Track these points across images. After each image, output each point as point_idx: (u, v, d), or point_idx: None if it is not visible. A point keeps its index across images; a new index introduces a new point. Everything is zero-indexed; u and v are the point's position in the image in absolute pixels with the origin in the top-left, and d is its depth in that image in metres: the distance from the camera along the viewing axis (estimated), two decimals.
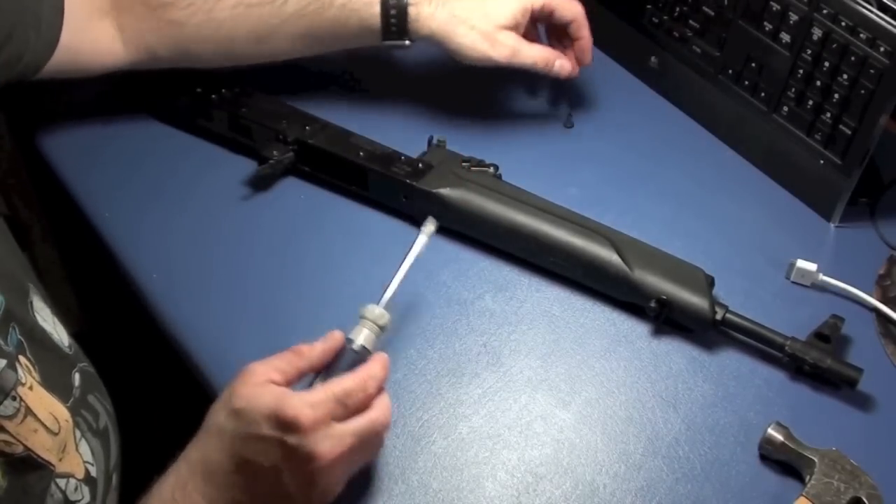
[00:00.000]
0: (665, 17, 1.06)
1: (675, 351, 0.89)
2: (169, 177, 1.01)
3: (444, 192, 0.93)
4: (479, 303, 0.92)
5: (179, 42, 0.94)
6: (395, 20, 0.93)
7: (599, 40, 1.16)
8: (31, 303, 0.79)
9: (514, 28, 0.95)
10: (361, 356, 0.76)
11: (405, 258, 0.82)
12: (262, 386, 0.72)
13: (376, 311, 0.79)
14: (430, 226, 0.85)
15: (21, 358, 0.72)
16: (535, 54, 0.96)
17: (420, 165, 0.96)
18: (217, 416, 0.72)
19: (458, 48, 0.95)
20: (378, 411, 0.74)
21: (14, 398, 0.70)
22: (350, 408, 0.72)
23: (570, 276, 0.92)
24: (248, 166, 1.00)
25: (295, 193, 1.00)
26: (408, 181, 0.95)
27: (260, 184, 0.99)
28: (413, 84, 1.09)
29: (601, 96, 1.10)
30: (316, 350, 0.77)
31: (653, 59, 1.10)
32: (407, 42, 0.95)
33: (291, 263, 0.95)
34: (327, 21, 0.93)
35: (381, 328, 0.79)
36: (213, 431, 0.72)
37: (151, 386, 0.92)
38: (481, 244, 0.95)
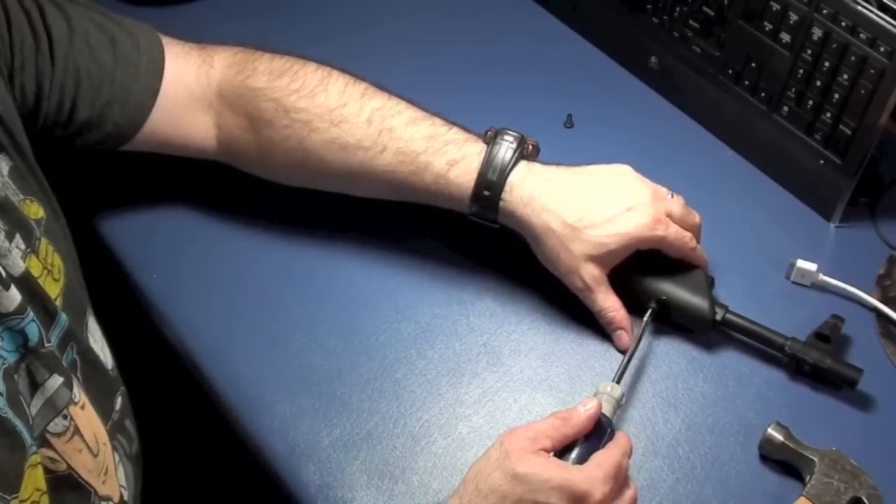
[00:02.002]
0: (665, 17, 1.06)
1: (675, 351, 0.89)
2: (168, 176, 1.01)
3: None
4: (480, 303, 0.92)
5: (267, 157, 0.92)
6: (483, 209, 0.87)
7: (599, 40, 1.16)
8: (87, 323, 0.80)
9: (603, 261, 0.86)
10: (603, 429, 0.77)
11: (636, 339, 0.84)
12: (539, 455, 0.72)
13: (618, 390, 0.80)
14: (650, 313, 0.87)
15: (74, 377, 0.73)
16: (605, 307, 0.87)
17: None
18: (492, 479, 0.71)
19: (538, 254, 0.88)
20: (634, 491, 0.75)
21: (65, 416, 0.71)
22: (620, 484, 0.73)
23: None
24: None
25: (295, 193, 1.00)
26: None
27: (261, 188, 0.99)
28: (412, 83, 1.09)
29: (601, 96, 1.10)
30: (582, 417, 0.76)
31: (653, 59, 1.10)
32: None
33: (291, 263, 0.95)
34: (417, 184, 0.88)
35: (620, 404, 0.80)
36: (486, 493, 0.71)
37: (158, 402, 0.92)
38: (481, 244, 0.95)
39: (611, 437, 0.76)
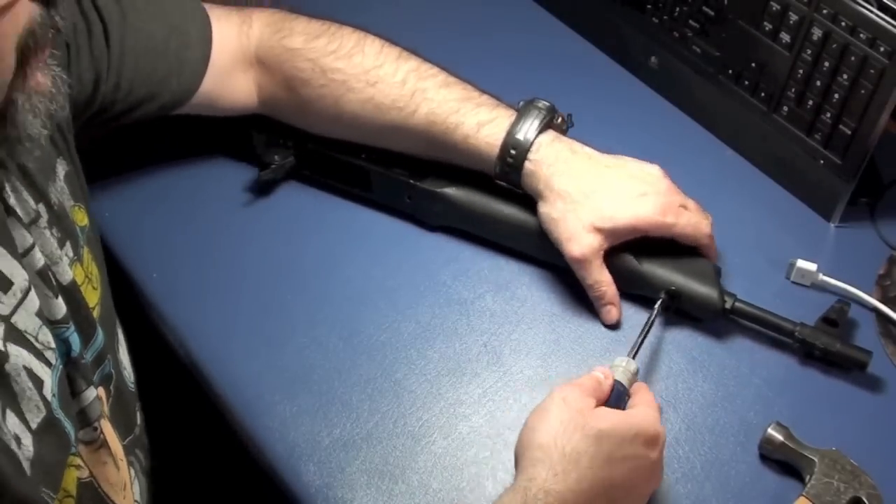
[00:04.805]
0: (665, 17, 1.06)
1: (675, 351, 0.89)
2: (169, 178, 1.01)
3: (448, 191, 0.94)
4: (480, 302, 0.92)
5: (302, 113, 0.95)
6: (509, 170, 0.89)
7: (599, 40, 1.16)
8: (118, 334, 0.82)
9: (607, 235, 0.86)
10: (621, 396, 0.78)
11: (647, 324, 0.85)
12: (602, 409, 0.74)
13: (633, 364, 0.81)
14: (660, 303, 0.87)
15: (100, 390, 0.74)
16: (599, 279, 0.88)
17: (422, 165, 0.95)
18: (574, 441, 0.70)
19: (543, 216, 0.88)
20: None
21: (95, 428, 0.73)
22: None
23: None
24: (247, 167, 1.00)
25: (294, 194, 1.00)
26: (411, 181, 0.95)
27: (261, 189, 1.00)
28: None
29: (601, 96, 1.10)
30: (609, 383, 0.77)
31: (653, 59, 1.10)
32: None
33: (291, 264, 0.95)
34: (448, 144, 0.91)
35: (635, 377, 0.81)
36: (576, 458, 0.69)
37: (157, 402, 0.92)
38: (482, 244, 0.95)
39: (626, 402, 0.78)
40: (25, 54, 0.56)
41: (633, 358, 0.82)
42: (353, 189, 0.99)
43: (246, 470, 0.86)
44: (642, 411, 0.74)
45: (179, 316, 0.90)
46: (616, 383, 0.78)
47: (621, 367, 0.80)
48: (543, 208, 0.88)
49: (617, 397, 0.77)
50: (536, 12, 1.20)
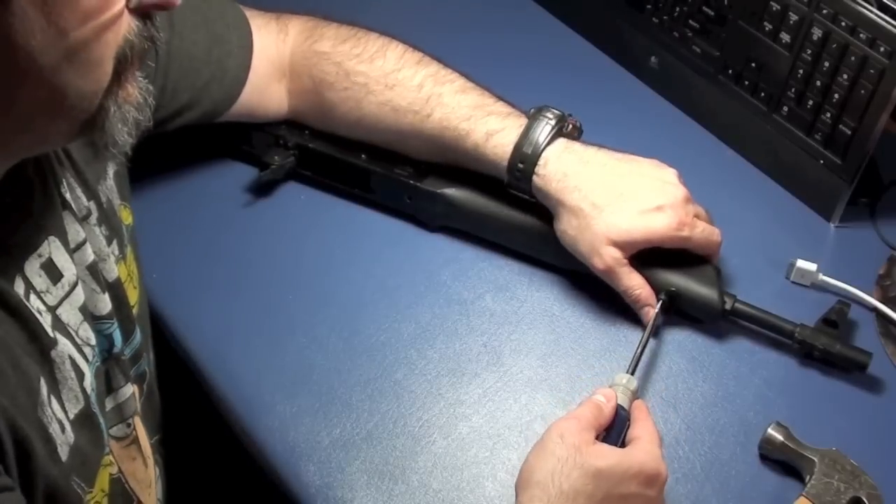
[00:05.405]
0: (665, 17, 1.07)
1: (675, 351, 0.89)
2: (169, 178, 1.01)
3: (449, 192, 0.94)
4: (480, 303, 0.92)
5: (327, 117, 0.97)
6: (517, 182, 0.89)
7: (599, 40, 1.16)
8: (149, 334, 0.83)
9: (625, 247, 0.86)
10: (622, 419, 0.77)
11: (647, 332, 0.85)
12: (603, 445, 0.73)
13: (633, 382, 0.80)
14: (660, 305, 0.87)
15: (135, 387, 0.76)
16: (630, 285, 0.87)
17: (423, 166, 0.96)
18: (573, 478, 0.69)
19: (561, 233, 0.88)
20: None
21: (129, 424, 0.74)
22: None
23: (578, 270, 0.92)
24: (247, 167, 1.01)
25: (294, 194, 1.00)
26: (411, 182, 0.95)
27: (261, 189, 1.00)
28: None
29: (601, 96, 1.10)
30: (610, 409, 0.77)
31: (653, 59, 1.10)
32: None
33: (291, 264, 0.95)
34: (459, 150, 0.91)
35: (635, 395, 0.80)
36: (573, 496, 0.69)
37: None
38: (482, 244, 0.95)
39: (627, 427, 0.77)
40: (122, 64, 0.57)
41: (633, 373, 0.81)
42: (353, 189, 0.99)
43: (246, 470, 0.86)
44: (643, 448, 0.73)
45: (179, 316, 0.90)
46: (618, 408, 0.77)
47: (621, 387, 0.79)
48: (559, 225, 0.88)
49: (620, 424, 0.77)
50: (537, 13, 1.20)
